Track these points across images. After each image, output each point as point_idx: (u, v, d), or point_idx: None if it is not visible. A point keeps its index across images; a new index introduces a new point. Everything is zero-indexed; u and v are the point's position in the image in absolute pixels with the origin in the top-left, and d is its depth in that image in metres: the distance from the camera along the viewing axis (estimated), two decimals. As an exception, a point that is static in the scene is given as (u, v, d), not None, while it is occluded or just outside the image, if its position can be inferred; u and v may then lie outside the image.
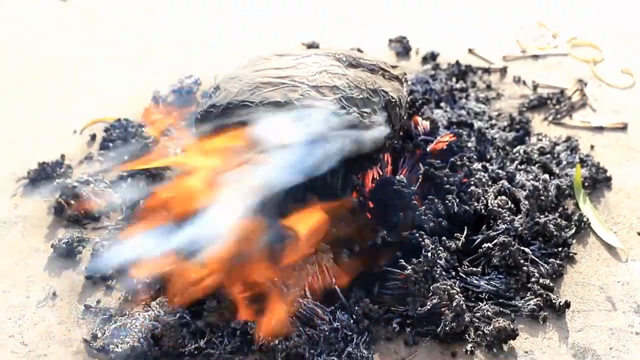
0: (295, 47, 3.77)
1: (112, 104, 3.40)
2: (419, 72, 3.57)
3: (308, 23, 4.05)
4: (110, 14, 4.27)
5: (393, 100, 2.54)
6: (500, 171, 2.83)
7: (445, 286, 2.32)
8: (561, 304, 2.38)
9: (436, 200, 2.59)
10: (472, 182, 2.70)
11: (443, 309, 2.31)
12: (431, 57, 3.70)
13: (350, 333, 2.30)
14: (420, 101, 2.95)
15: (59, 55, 3.83)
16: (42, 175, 2.96)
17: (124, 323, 2.33)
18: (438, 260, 2.42)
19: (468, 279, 2.46)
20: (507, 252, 2.48)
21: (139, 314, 2.35)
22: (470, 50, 3.77)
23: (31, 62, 3.78)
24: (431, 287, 2.33)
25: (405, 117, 2.68)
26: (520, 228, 2.58)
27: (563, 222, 2.67)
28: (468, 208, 2.61)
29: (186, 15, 4.22)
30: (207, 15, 4.22)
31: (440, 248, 2.46)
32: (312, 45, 3.79)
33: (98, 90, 3.55)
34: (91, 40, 3.97)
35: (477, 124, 3.07)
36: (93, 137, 3.20)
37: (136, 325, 2.30)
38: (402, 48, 3.79)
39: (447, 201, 2.59)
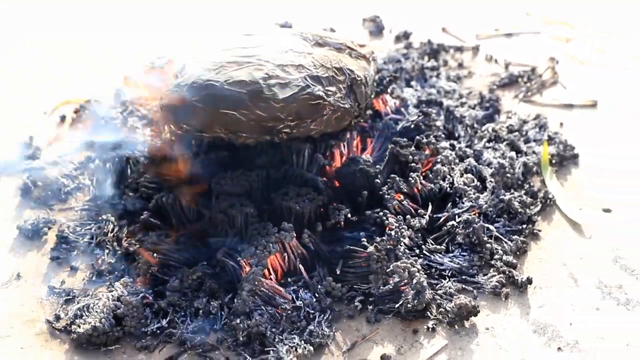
0: (268, 27, 3.76)
1: (83, 85, 3.40)
2: (392, 51, 3.57)
3: (281, 2, 4.03)
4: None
5: (359, 78, 2.53)
6: (467, 149, 2.83)
7: (405, 264, 2.32)
8: (523, 280, 2.38)
9: (398, 178, 2.59)
10: (439, 160, 2.70)
11: (404, 287, 2.31)
12: (404, 36, 3.69)
13: (313, 311, 2.30)
14: (387, 79, 2.95)
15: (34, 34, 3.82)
16: (9, 156, 2.95)
17: (87, 304, 2.33)
18: (402, 239, 2.42)
19: (432, 256, 2.46)
20: (471, 229, 2.49)
21: (102, 295, 2.36)
22: (443, 29, 3.76)
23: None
24: (391, 266, 2.33)
25: (372, 96, 2.68)
26: (485, 205, 2.58)
27: (528, 199, 2.67)
28: (433, 186, 2.61)
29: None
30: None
31: (404, 226, 2.47)
32: (285, 25, 3.78)
33: (71, 71, 3.55)
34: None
35: (446, 102, 3.07)
36: (63, 118, 3.19)
37: (99, 306, 2.30)
38: (376, 27, 3.78)
39: (411, 179, 2.59)
